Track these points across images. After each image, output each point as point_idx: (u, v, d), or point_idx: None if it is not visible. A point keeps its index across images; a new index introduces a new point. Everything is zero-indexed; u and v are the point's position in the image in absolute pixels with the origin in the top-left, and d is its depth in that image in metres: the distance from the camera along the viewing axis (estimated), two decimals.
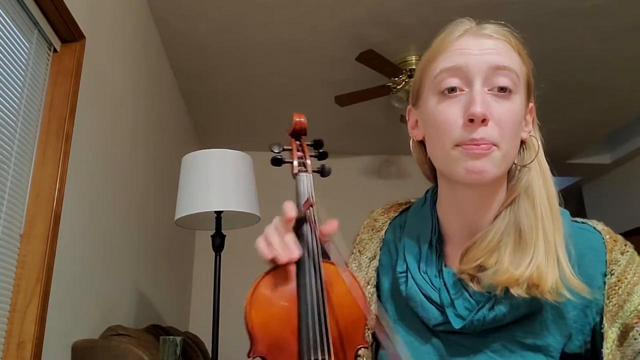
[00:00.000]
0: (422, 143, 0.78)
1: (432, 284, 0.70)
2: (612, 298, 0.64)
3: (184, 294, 4.05)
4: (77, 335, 1.79)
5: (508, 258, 0.64)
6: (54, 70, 1.77)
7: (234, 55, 3.26)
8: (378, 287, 0.80)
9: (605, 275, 0.66)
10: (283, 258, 0.64)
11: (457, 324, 0.66)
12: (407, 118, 0.80)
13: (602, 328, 0.64)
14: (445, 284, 0.69)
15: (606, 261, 0.66)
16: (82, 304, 1.89)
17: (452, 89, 0.68)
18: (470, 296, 0.67)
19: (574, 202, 6.34)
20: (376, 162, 4.83)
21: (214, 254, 2.16)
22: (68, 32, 1.78)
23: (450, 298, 0.68)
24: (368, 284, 0.79)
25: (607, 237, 0.69)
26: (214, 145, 3.20)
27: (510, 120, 0.66)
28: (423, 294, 0.70)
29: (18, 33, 1.59)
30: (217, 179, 2.08)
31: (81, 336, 1.81)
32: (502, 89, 0.67)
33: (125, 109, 2.43)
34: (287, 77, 3.55)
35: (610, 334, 0.63)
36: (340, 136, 4.57)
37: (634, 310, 0.63)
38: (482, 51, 0.68)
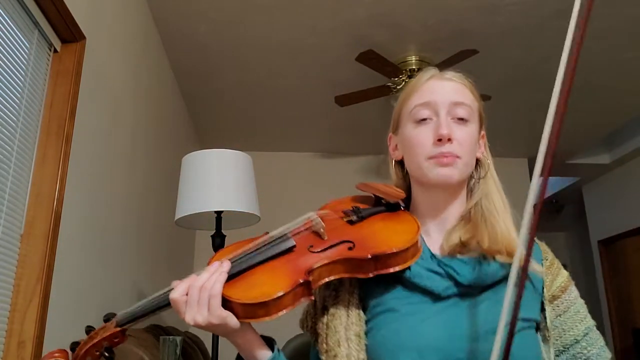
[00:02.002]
0: (399, 164, 0.99)
1: (430, 261, 0.87)
2: (548, 275, 0.89)
3: None
4: (77, 335, 1.79)
5: (487, 242, 0.85)
6: (54, 71, 1.77)
7: (234, 55, 3.27)
8: (362, 293, 0.89)
9: (542, 260, 0.91)
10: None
11: (466, 281, 0.82)
12: (388, 144, 1.01)
13: (543, 294, 0.88)
14: (439, 260, 0.87)
15: (541, 251, 0.93)
16: (82, 304, 1.89)
17: (424, 119, 0.90)
18: (465, 263, 0.85)
19: (573, 202, 6.34)
20: (375, 162, 4.84)
21: (214, 254, 2.16)
22: (68, 32, 1.78)
23: (450, 266, 0.84)
24: (351, 294, 0.89)
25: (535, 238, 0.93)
26: (214, 145, 3.20)
27: (467, 140, 0.89)
28: (427, 270, 0.85)
29: (18, 33, 1.59)
30: (217, 179, 2.08)
31: (81, 336, 1.81)
32: (461, 119, 0.90)
33: (125, 109, 2.43)
34: (287, 77, 3.55)
35: (547, 298, 0.87)
36: (340, 136, 4.57)
37: (559, 286, 0.88)
38: (445, 91, 0.91)
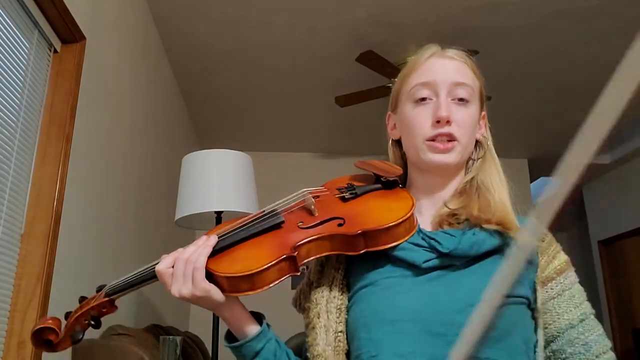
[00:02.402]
0: (397, 143, 0.97)
1: (416, 236, 0.85)
2: (543, 256, 0.86)
3: None
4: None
5: (476, 211, 0.83)
6: (54, 71, 1.78)
7: (234, 56, 3.27)
8: (348, 270, 0.89)
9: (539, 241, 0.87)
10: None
11: (446, 249, 0.80)
12: (386, 122, 0.99)
13: (536, 274, 0.85)
14: (424, 234, 0.85)
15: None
16: None
17: (424, 98, 0.88)
18: (450, 235, 0.83)
19: (574, 202, 6.34)
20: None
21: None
22: (68, 32, 1.78)
23: (434, 238, 0.83)
24: (336, 270, 0.89)
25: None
26: (214, 145, 3.19)
27: (467, 121, 0.88)
28: (411, 243, 0.83)
29: (18, 33, 1.59)
30: (217, 179, 2.08)
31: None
32: (461, 99, 0.88)
33: (125, 110, 2.43)
34: (287, 77, 3.55)
35: (540, 279, 0.85)
36: (340, 136, 4.57)
37: (554, 269, 0.86)
38: (445, 70, 0.89)
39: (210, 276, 0.77)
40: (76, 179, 1.81)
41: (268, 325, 0.84)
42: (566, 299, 0.84)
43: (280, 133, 4.53)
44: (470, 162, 0.94)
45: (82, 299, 0.87)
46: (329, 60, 3.34)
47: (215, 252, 0.80)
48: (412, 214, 0.83)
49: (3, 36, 1.50)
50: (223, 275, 0.76)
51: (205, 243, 0.80)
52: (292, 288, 4.68)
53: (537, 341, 0.82)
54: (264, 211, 0.87)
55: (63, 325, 0.83)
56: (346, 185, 0.92)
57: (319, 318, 0.83)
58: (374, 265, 0.84)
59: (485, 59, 3.37)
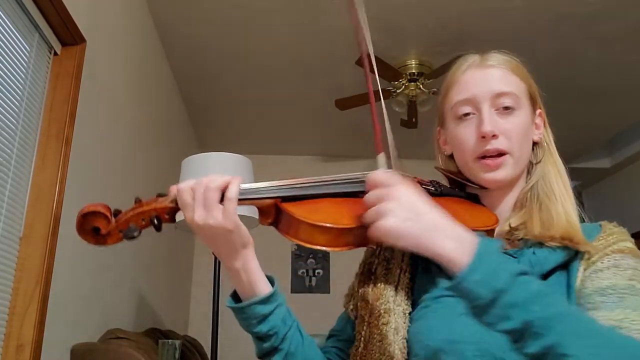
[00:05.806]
0: (451, 158, 0.93)
1: None
2: (594, 255, 0.76)
3: (184, 297, 4.04)
4: (76, 339, 1.79)
5: (539, 227, 0.77)
6: (54, 73, 1.77)
7: (234, 59, 3.27)
8: (412, 273, 0.86)
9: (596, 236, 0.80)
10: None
11: None
12: (437, 137, 0.96)
13: (575, 285, 0.75)
14: None
15: (600, 231, 0.81)
16: (81, 307, 1.89)
17: (466, 114, 0.84)
18: (509, 255, 0.77)
19: None
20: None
21: (213, 257, 2.16)
22: (68, 35, 1.78)
23: None
24: (403, 272, 0.85)
25: (602, 224, 0.85)
26: (214, 148, 3.19)
27: (516, 131, 0.82)
28: None
29: (19, 36, 1.59)
30: None
31: (80, 339, 1.80)
32: (506, 108, 0.83)
33: (125, 112, 2.43)
34: (287, 80, 3.55)
35: (577, 287, 0.75)
36: (340, 140, 4.57)
37: (603, 253, 0.75)
38: (484, 81, 0.84)
39: (280, 217, 0.73)
40: (76, 181, 1.80)
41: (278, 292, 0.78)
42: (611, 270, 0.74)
43: (280, 136, 4.53)
44: (531, 166, 0.88)
45: (138, 199, 0.78)
46: (329, 64, 3.34)
47: (293, 199, 0.75)
48: (494, 231, 0.79)
49: (3, 38, 1.50)
50: (302, 220, 0.70)
51: (232, 179, 0.76)
52: (292, 292, 4.68)
53: None
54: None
55: (113, 219, 0.74)
56: (429, 181, 0.88)
57: (389, 316, 0.78)
58: (434, 279, 0.80)
59: None
